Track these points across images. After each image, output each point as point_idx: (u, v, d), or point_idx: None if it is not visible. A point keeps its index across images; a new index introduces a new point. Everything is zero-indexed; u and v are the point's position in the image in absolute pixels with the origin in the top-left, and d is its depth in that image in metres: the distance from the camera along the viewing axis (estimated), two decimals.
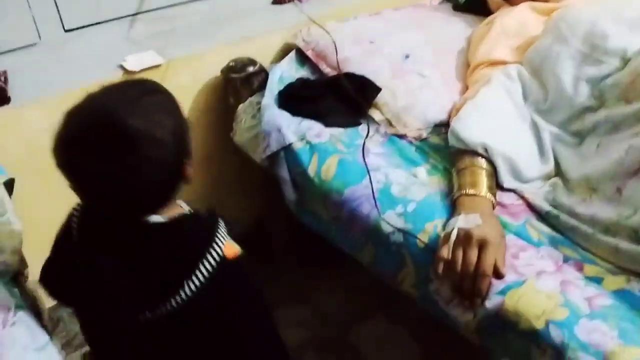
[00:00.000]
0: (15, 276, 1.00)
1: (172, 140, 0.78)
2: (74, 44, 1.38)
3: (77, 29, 1.41)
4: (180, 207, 0.89)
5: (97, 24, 1.44)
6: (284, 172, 1.29)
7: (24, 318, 0.92)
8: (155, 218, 0.80)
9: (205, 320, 0.80)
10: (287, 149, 1.28)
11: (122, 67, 1.35)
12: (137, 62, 1.36)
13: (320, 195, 1.21)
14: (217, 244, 0.79)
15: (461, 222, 0.97)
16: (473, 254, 0.93)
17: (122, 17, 1.47)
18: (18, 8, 1.29)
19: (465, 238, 0.95)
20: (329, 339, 1.59)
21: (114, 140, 0.73)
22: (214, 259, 0.78)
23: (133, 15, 1.48)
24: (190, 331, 0.81)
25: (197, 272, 0.77)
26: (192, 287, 0.77)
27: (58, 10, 1.36)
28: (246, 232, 1.73)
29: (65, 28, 1.39)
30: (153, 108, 0.78)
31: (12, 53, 1.30)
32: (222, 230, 0.83)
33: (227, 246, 0.81)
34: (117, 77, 1.27)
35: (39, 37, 1.34)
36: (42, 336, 0.92)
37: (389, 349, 1.55)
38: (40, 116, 1.30)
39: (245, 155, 1.44)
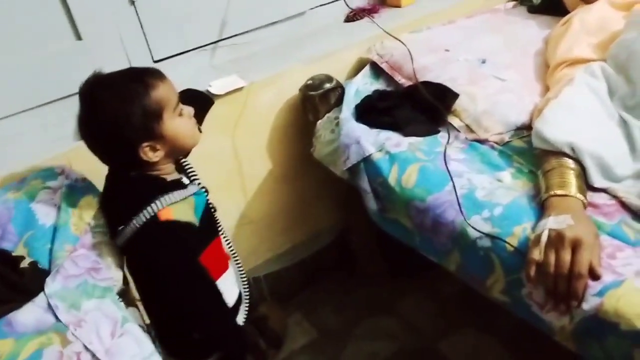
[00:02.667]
0: (122, 291, 1.07)
1: (115, 119, 0.99)
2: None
3: (165, 59, 1.51)
4: (173, 174, 1.10)
5: (183, 53, 1.54)
6: (365, 183, 1.31)
7: (131, 330, 0.98)
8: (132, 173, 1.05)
9: (136, 263, 1.06)
10: (367, 160, 1.30)
11: (208, 92, 1.42)
12: (222, 86, 1.44)
13: (402, 203, 1.21)
14: (152, 206, 0.99)
15: (552, 223, 0.95)
16: (566, 255, 0.91)
17: (205, 45, 1.57)
18: (112, 43, 1.40)
19: (557, 239, 0.92)
20: (418, 350, 1.58)
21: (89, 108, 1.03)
22: (146, 215, 0.99)
23: (215, 42, 1.58)
24: (132, 266, 1.07)
25: (133, 220, 1.00)
26: (129, 230, 1.01)
27: (147, 43, 1.47)
28: (330, 243, 1.78)
29: (154, 59, 1.49)
30: (122, 92, 1.00)
31: None
32: (169, 196, 1.01)
33: (165, 210, 1.00)
34: None
35: None
36: (148, 346, 0.97)
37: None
38: None
39: (325, 169, 1.47)
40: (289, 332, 1.67)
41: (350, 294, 1.76)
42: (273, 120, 1.54)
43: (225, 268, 1.18)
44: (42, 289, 0.99)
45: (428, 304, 1.70)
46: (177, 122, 1.05)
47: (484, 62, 1.41)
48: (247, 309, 1.23)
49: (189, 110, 1.08)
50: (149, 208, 1.00)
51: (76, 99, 1.04)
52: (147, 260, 1.03)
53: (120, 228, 1.02)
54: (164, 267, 1.01)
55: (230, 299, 1.18)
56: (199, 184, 1.13)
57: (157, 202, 1.00)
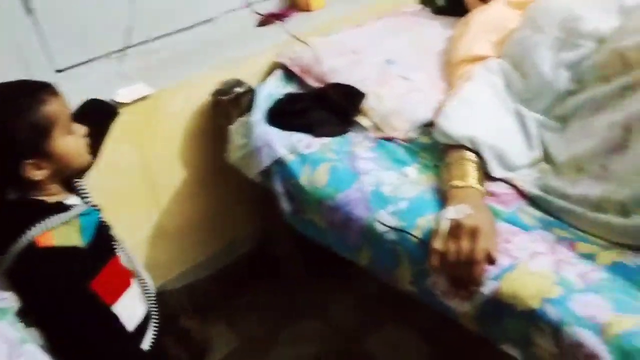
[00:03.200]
0: (21, 312, 1.02)
1: (1, 132, 0.94)
2: (66, 83, 1.40)
3: (68, 68, 1.46)
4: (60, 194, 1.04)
5: (87, 62, 1.49)
6: (278, 186, 1.31)
7: (30, 350, 0.93)
8: (12, 195, 1.00)
9: (20, 292, 0.97)
10: (279, 162, 1.30)
11: (113, 101, 1.38)
12: (128, 94, 1.40)
13: (314, 203, 1.22)
14: (32, 230, 0.94)
15: (451, 213, 0.98)
16: (465, 243, 0.94)
17: (111, 53, 1.52)
18: (8, 53, 1.34)
19: (456, 228, 0.95)
20: (343, 350, 1.59)
21: None
22: (24, 242, 0.94)
23: (121, 50, 1.54)
24: (18, 295, 0.98)
25: (11, 248, 0.95)
26: (7, 259, 0.95)
27: (48, 53, 1.41)
28: (252, 250, 1.76)
29: (57, 68, 1.43)
30: (10, 105, 0.96)
31: None
32: (48, 221, 0.96)
33: (45, 236, 0.95)
34: None
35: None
36: None
37: (402, 353, 1.55)
38: None
39: (242, 175, 1.46)
40: (212, 343, 1.64)
41: (273, 300, 1.75)
42: (184, 127, 1.52)
43: (126, 286, 1.12)
44: None
45: (350, 303, 1.71)
46: (67, 141, 1.00)
47: (390, 63, 1.44)
48: (156, 325, 1.18)
49: (80, 129, 1.04)
50: (27, 234, 0.94)
51: None
52: (29, 290, 0.96)
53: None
54: (47, 296, 0.96)
55: (136, 316, 1.13)
56: (91, 202, 1.09)
57: (36, 227, 0.95)
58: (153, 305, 1.19)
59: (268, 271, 1.77)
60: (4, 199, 1.01)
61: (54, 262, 0.97)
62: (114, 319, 1.04)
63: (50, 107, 0.97)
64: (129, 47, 1.55)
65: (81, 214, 1.04)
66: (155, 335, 1.16)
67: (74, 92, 1.37)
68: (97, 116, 1.26)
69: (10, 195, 1.01)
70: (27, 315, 1.00)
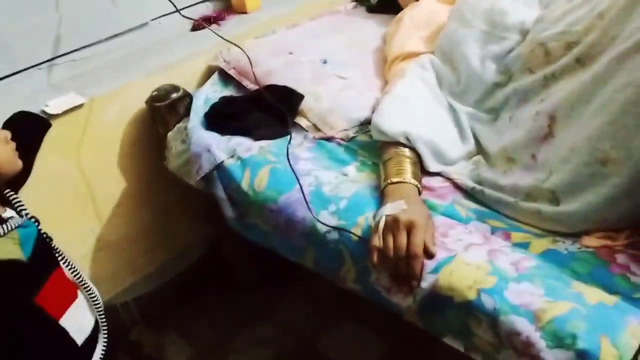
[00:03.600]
0: None
1: None
2: None
3: None
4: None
5: (14, 73, 1.43)
6: (220, 191, 1.30)
7: None
8: None
9: None
10: (219, 167, 1.29)
11: (44, 112, 1.34)
12: (59, 105, 1.35)
13: (257, 207, 1.21)
14: None
15: (388, 209, 0.99)
16: (402, 238, 0.95)
17: (39, 64, 1.47)
18: None
19: (393, 224, 0.96)
20: (296, 352, 1.58)
21: None
22: None
23: (50, 60, 1.49)
24: None
25: None
26: None
27: None
28: (201, 257, 1.74)
29: None
30: None
31: None
32: None
33: None
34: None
35: None
36: None
37: (354, 352, 1.56)
38: None
39: (185, 182, 1.44)
40: (166, 354, 1.62)
41: (225, 306, 1.73)
42: (121, 136, 1.48)
43: (73, 297, 1.10)
44: None
45: (303, 305, 1.71)
46: None
47: (325, 62, 1.45)
48: (105, 337, 1.16)
49: (4, 134, 0.99)
50: None
51: None
52: None
53: None
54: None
55: (85, 329, 1.10)
56: (27, 214, 1.05)
57: None
58: (101, 316, 1.16)
59: (218, 278, 1.75)
60: None
61: None
62: (63, 334, 1.00)
63: None
64: (59, 56, 1.50)
65: (19, 227, 1.00)
66: (104, 347, 1.14)
67: (2, 105, 1.32)
68: (27, 130, 1.21)
69: None
70: None
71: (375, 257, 0.97)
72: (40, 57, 1.47)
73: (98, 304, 1.16)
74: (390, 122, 1.16)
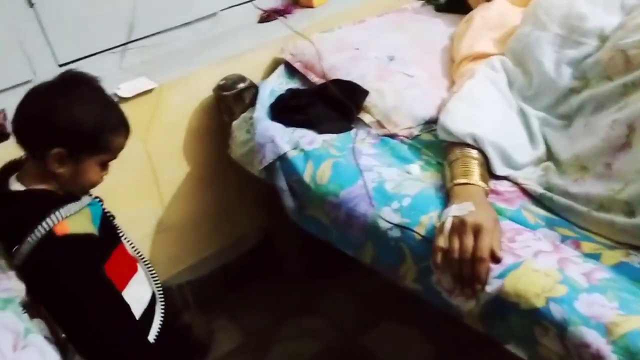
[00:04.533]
0: (26, 303, 1.02)
1: (34, 121, 1.00)
2: None
3: (71, 62, 1.46)
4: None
5: (89, 56, 1.48)
6: (282, 182, 1.31)
7: (35, 341, 0.93)
8: (15, 185, 1.02)
9: (36, 281, 0.97)
10: (282, 158, 1.30)
11: (116, 95, 1.38)
12: (130, 88, 1.40)
13: (317, 200, 1.22)
14: (47, 221, 0.95)
15: (454, 210, 0.98)
16: (469, 240, 0.94)
17: (113, 48, 1.52)
18: (11, 47, 1.33)
19: (459, 225, 0.95)
20: (343, 347, 1.59)
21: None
22: (41, 232, 0.95)
23: (123, 45, 1.53)
24: (32, 286, 0.98)
25: (28, 238, 0.95)
26: (24, 249, 0.96)
27: (51, 46, 1.41)
28: (255, 246, 1.76)
29: (59, 62, 1.43)
30: (45, 96, 1.01)
31: (9, 91, 1.34)
32: (64, 210, 0.98)
33: (61, 224, 0.96)
34: None
35: (34, 73, 1.38)
36: (53, 357, 0.93)
37: (402, 351, 1.55)
38: None
39: (246, 171, 1.46)
40: (215, 338, 1.65)
41: (275, 296, 1.76)
42: (187, 122, 1.52)
43: (133, 271, 1.15)
44: None
45: (351, 301, 1.72)
46: (93, 169, 1.04)
47: (392, 59, 1.44)
48: (162, 308, 1.19)
49: (108, 170, 1.09)
50: (44, 223, 0.96)
51: None
52: (47, 278, 0.97)
53: (15, 248, 0.97)
54: (65, 284, 0.96)
55: (143, 300, 1.14)
56: (91, 194, 1.10)
57: (52, 216, 0.96)
58: (159, 289, 1.20)
59: (270, 267, 1.77)
60: (6, 191, 1.02)
61: (73, 250, 0.98)
62: (127, 308, 1.04)
63: (119, 141, 1.06)
64: (131, 41, 1.54)
65: (90, 205, 1.05)
66: (162, 318, 1.17)
67: None
68: None
69: (13, 186, 1.03)
70: (32, 306, 1.01)
71: (439, 258, 0.96)
72: (114, 41, 1.52)
73: (155, 276, 1.20)
74: (458, 123, 1.14)
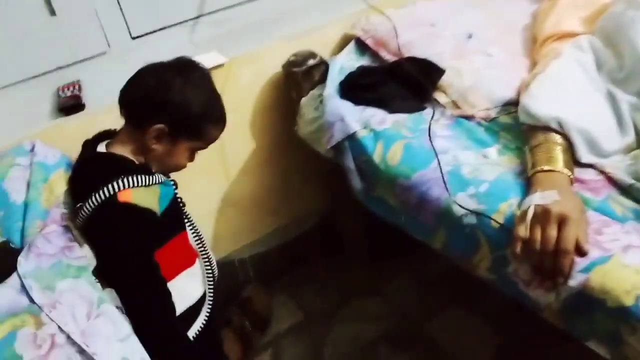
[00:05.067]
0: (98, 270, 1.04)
1: (148, 93, 1.04)
2: (141, 50, 1.43)
3: (143, 35, 1.47)
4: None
5: (161, 29, 1.49)
6: (349, 162, 1.28)
7: (107, 311, 0.95)
8: (101, 149, 1.07)
9: (92, 242, 1.00)
10: (351, 137, 1.27)
11: None
12: (202, 62, 1.39)
13: (387, 181, 1.19)
14: (113, 184, 0.97)
15: (538, 198, 0.93)
16: (552, 231, 0.89)
17: (184, 22, 1.52)
18: (87, 19, 1.35)
19: (543, 215, 0.90)
20: (404, 332, 1.56)
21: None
22: (105, 194, 0.97)
23: (195, 18, 1.53)
24: (92, 244, 1.01)
25: (92, 197, 0.98)
26: (86, 208, 0.98)
27: (125, 19, 1.42)
28: (316, 224, 1.75)
29: (132, 35, 1.44)
30: (163, 73, 1.07)
31: (85, 62, 1.37)
32: (131, 178, 0.99)
33: (125, 192, 0.98)
34: None
35: (108, 45, 1.40)
36: (125, 327, 0.95)
37: (465, 340, 1.51)
38: (112, 122, 1.35)
39: (311, 149, 1.44)
40: (274, 314, 1.66)
41: (336, 276, 1.74)
42: (255, 97, 1.50)
43: (189, 264, 1.14)
44: (14, 268, 0.96)
45: (413, 286, 1.68)
46: (183, 154, 1.09)
47: (470, 36, 1.38)
48: (209, 310, 1.18)
49: (193, 159, 1.14)
50: (109, 186, 0.97)
51: (47, 78, 1.00)
52: (100, 241, 1.00)
53: (78, 205, 1.00)
54: (115, 250, 0.99)
55: (191, 297, 1.14)
56: (169, 176, 1.11)
57: (120, 182, 0.98)
58: (210, 290, 1.18)
59: (332, 247, 1.76)
60: (94, 153, 1.07)
61: (130, 219, 0.99)
62: (165, 295, 1.03)
63: (218, 134, 1.13)
64: (202, 15, 1.54)
65: (161, 183, 1.06)
66: (205, 321, 1.16)
67: (150, 59, 1.38)
68: None
69: (99, 150, 1.07)
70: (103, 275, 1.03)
71: (518, 248, 0.91)
72: (186, 15, 1.52)
73: (211, 277, 1.19)
74: (542, 105, 1.08)
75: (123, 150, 1.06)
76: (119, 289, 0.99)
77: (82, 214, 1.00)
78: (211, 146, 1.47)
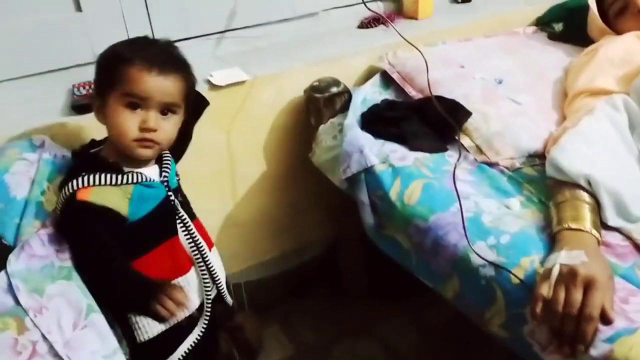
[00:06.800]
0: None
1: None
2: None
3: None
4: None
5: (186, 39, 1.46)
6: (364, 195, 1.24)
7: (96, 321, 0.89)
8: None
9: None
10: (368, 171, 1.23)
11: (208, 81, 1.35)
12: (223, 77, 1.36)
13: (402, 220, 1.14)
14: (73, 183, 0.94)
15: (564, 257, 0.88)
16: (577, 294, 0.83)
17: (210, 34, 1.50)
18: (113, 19, 1.33)
19: (569, 276, 0.85)
20: None
21: None
22: (66, 192, 0.95)
23: (221, 32, 1.51)
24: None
25: (59, 198, 0.97)
26: (56, 207, 0.98)
27: (151, 24, 1.39)
28: (317, 255, 1.69)
29: None
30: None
31: None
32: (92, 176, 0.95)
33: (84, 190, 0.94)
34: (203, 90, 1.26)
35: None
36: (112, 342, 0.89)
37: None
38: None
39: (322, 177, 1.40)
40: (265, 345, 1.58)
41: (332, 312, 1.68)
42: (273, 119, 1.47)
43: (180, 273, 1.06)
44: (3, 266, 0.91)
45: (411, 331, 1.62)
46: (120, 111, 0.96)
47: (500, 82, 1.35)
48: (206, 322, 1.10)
49: (150, 120, 0.97)
50: (69, 184, 0.95)
51: (64, 74, 0.97)
52: (66, 239, 0.97)
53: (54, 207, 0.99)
54: (74, 249, 0.96)
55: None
56: (165, 177, 1.05)
57: (80, 179, 0.94)
58: (208, 301, 1.11)
59: (331, 281, 1.70)
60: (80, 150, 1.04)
61: (82, 217, 0.95)
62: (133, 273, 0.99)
63: (132, 71, 0.95)
64: (229, 30, 1.51)
65: (141, 184, 0.99)
66: (199, 335, 1.09)
67: None
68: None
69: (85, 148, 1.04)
70: None
71: (539, 308, 0.86)
72: (212, 28, 1.50)
73: (208, 287, 1.11)
74: (572, 161, 1.04)
75: (107, 150, 1.02)
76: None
77: (55, 213, 0.99)
78: (221, 162, 1.45)
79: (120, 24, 1.34)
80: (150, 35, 1.39)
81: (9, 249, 0.94)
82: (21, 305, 0.87)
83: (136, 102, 0.96)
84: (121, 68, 0.95)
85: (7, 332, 0.83)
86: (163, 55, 0.99)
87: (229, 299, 1.17)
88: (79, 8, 1.31)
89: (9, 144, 1.10)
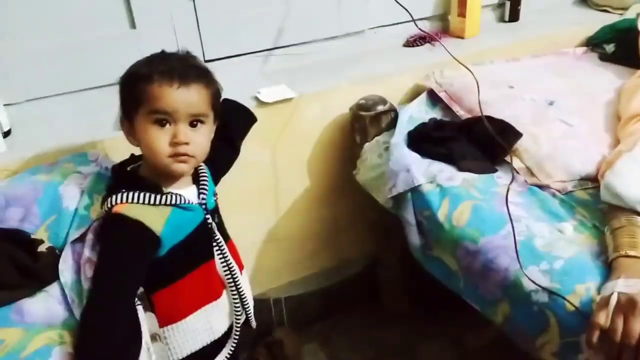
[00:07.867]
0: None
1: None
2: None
3: (216, 59, 1.47)
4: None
5: (234, 56, 1.49)
6: (410, 215, 1.23)
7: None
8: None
9: None
10: (415, 190, 1.22)
11: (256, 98, 1.36)
12: (271, 94, 1.37)
13: (450, 242, 1.13)
14: (115, 197, 0.93)
15: (622, 286, 0.85)
16: (637, 324, 0.81)
17: (258, 52, 1.52)
18: (166, 36, 1.36)
19: (628, 305, 0.83)
20: None
21: None
22: (107, 205, 0.94)
23: (269, 50, 1.52)
24: None
25: (101, 211, 0.97)
26: (99, 219, 0.97)
27: (201, 41, 1.42)
28: (357, 273, 1.69)
29: (206, 58, 1.44)
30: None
31: None
32: (131, 194, 0.93)
33: (122, 205, 0.93)
34: (251, 106, 1.27)
35: None
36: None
37: None
38: None
39: (363, 195, 1.39)
40: None
41: (371, 331, 1.66)
42: (318, 136, 1.47)
43: (215, 297, 1.05)
44: (57, 276, 0.93)
45: (451, 353, 1.59)
46: (149, 129, 0.93)
47: (551, 103, 1.33)
48: (234, 344, 1.09)
49: (181, 135, 0.93)
50: (110, 200, 0.93)
51: (117, 88, 0.97)
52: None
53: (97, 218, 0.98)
54: (99, 258, 0.93)
55: (217, 330, 1.06)
56: (203, 200, 1.01)
57: (120, 195, 0.92)
58: (238, 324, 1.10)
59: (371, 299, 1.69)
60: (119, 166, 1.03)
61: (117, 226, 0.92)
62: (138, 324, 0.92)
63: (151, 89, 0.91)
64: (277, 47, 1.53)
65: (179, 206, 0.96)
66: (229, 354, 1.09)
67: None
68: (238, 120, 1.21)
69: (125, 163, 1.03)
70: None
71: (595, 337, 0.84)
72: (260, 45, 1.52)
73: (239, 311, 1.09)
74: (628, 186, 1.01)
75: (144, 167, 1.00)
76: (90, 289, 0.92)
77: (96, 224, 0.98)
78: (266, 178, 1.45)
79: (172, 41, 1.37)
80: (201, 52, 1.42)
81: None
82: (76, 317, 0.88)
83: (163, 119, 0.92)
84: (142, 87, 0.92)
85: (63, 347, 0.84)
86: (182, 66, 0.94)
87: (254, 323, 1.15)
88: (133, 25, 1.35)
89: (65, 158, 1.12)
